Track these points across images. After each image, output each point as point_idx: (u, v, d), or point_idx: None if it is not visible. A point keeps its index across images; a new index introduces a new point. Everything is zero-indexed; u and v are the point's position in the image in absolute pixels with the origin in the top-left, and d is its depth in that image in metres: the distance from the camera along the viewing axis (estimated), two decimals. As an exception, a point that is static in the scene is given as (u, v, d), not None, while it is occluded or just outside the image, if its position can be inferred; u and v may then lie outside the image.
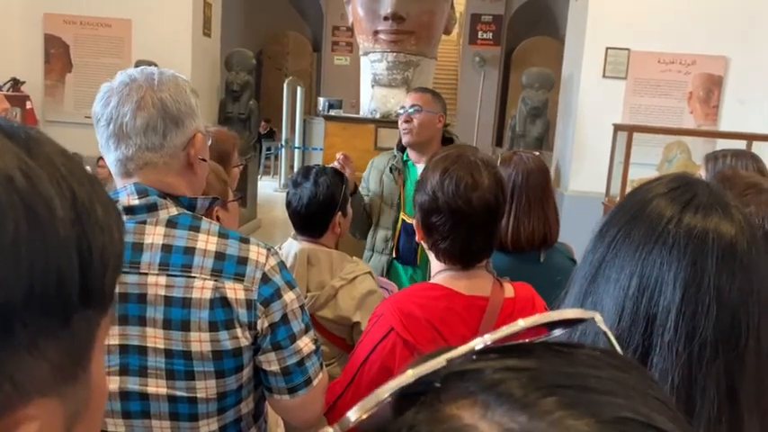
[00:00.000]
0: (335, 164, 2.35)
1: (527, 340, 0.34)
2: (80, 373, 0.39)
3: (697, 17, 6.11)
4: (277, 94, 11.24)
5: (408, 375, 0.29)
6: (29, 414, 0.34)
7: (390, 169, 2.60)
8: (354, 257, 2.11)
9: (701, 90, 6.31)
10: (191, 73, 6.71)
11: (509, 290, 1.42)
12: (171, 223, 1.22)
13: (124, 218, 1.20)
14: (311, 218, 2.02)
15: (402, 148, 2.63)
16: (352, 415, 0.28)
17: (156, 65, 6.37)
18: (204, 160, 1.35)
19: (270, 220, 8.28)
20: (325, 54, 13.42)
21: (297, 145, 11.10)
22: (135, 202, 1.21)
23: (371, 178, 2.66)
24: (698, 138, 5.84)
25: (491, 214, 1.37)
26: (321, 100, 11.67)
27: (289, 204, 2.04)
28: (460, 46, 12.74)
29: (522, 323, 0.33)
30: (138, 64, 6.47)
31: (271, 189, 10.44)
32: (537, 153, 1.98)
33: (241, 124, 7.06)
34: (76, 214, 0.36)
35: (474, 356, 0.31)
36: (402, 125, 2.51)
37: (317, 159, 11.02)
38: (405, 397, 0.29)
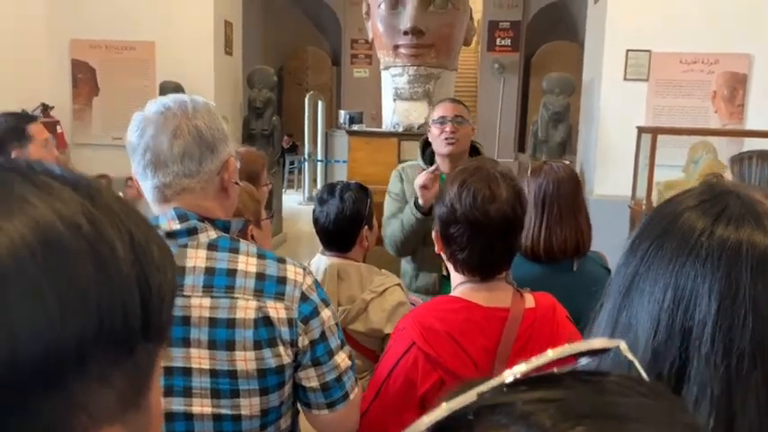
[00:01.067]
0: (424, 180, 2.29)
1: (555, 370, 0.35)
2: (141, 401, 0.41)
3: (718, 16, 6.06)
4: (298, 108, 11.35)
5: (443, 409, 0.31)
6: None
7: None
8: (383, 270, 2.13)
9: (725, 89, 6.24)
10: (214, 92, 6.83)
11: (529, 300, 1.42)
12: (212, 246, 1.26)
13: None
14: (339, 233, 2.05)
15: (430, 160, 2.57)
16: None
17: (180, 85, 6.48)
18: (237, 183, 1.38)
19: (295, 234, 8.34)
20: (345, 67, 13.52)
21: (319, 158, 11.18)
22: (176, 226, 1.25)
23: (407, 192, 2.57)
24: (724, 137, 5.77)
25: (509, 226, 1.38)
26: (342, 113, 11.76)
27: (316, 221, 2.08)
28: (479, 53, 12.75)
29: (550, 354, 0.35)
30: (162, 85, 6.61)
31: (295, 202, 10.51)
32: (567, 162, 1.98)
33: (265, 140, 7.14)
34: (135, 255, 0.39)
35: (504, 389, 0.32)
36: (445, 135, 2.44)
37: (339, 172, 11.07)
38: (439, 430, 0.31)
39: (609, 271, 1.97)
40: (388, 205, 2.60)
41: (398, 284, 2.05)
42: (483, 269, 1.40)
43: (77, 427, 0.36)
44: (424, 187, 2.30)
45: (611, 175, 6.21)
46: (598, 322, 0.86)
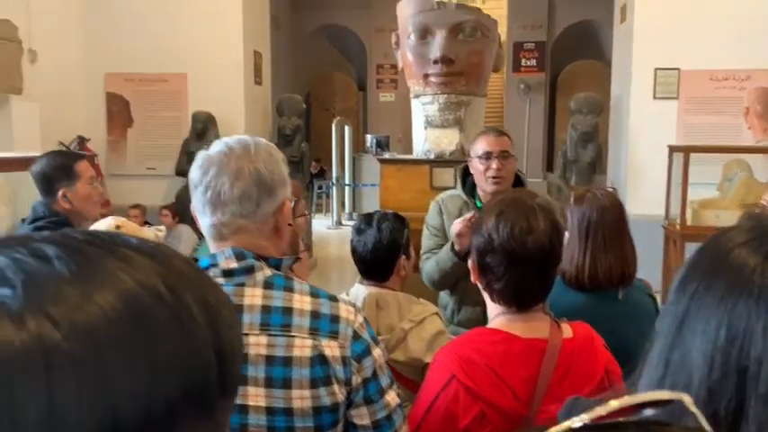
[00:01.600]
0: (460, 228, 2.22)
1: (621, 419, 0.36)
2: None
3: (747, 31, 6.00)
4: (326, 133, 11.47)
5: None
6: None
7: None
8: (421, 299, 2.14)
9: (757, 105, 6.16)
10: (244, 120, 6.95)
11: (567, 330, 1.42)
12: (267, 284, 1.28)
13: (222, 281, 1.26)
14: (376, 263, 2.07)
15: (471, 190, 2.50)
16: None
17: (212, 115, 6.60)
18: (290, 225, 1.41)
19: (324, 258, 8.38)
20: (371, 92, 13.66)
21: (347, 182, 11.26)
22: (233, 265, 1.27)
23: (447, 224, 2.48)
24: (758, 154, 5.69)
25: (546, 258, 1.38)
26: (368, 137, 11.89)
27: (354, 251, 2.10)
28: (504, 74, 12.77)
29: (614, 404, 0.36)
30: (194, 115, 6.76)
31: (324, 227, 10.58)
32: (611, 189, 1.97)
33: (294, 167, 7.23)
34: (210, 317, 0.41)
35: None
36: (491, 173, 2.34)
37: (367, 196, 11.13)
38: None
39: (654, 299, 1.94)
40: (426, 240, 2.55)
41: (436, 313, 2.05)
42: (519, 300, 1.40)
43: None
44: (459, 235, 2.24)
45: (643, 194, 6.15)
46: (649, 361, 0.86)
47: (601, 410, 0.35)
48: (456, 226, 2.26)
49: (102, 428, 0.34)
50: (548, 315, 1.45)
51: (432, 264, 2.44)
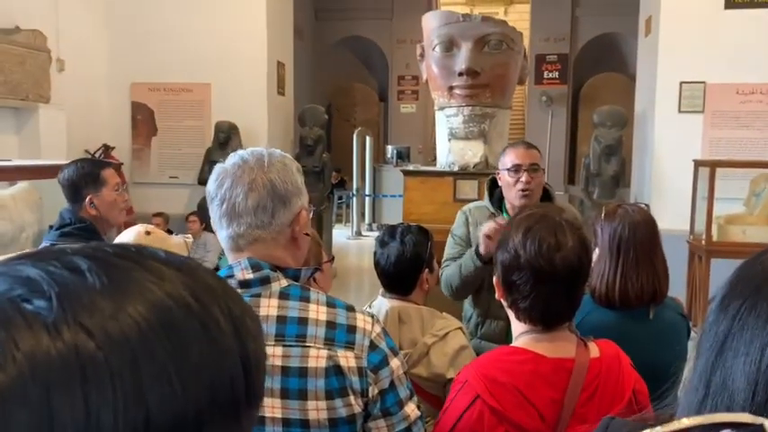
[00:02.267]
0: (488, 231, 2.22)
1: None
2: None
3: (775, 45, 5.93)
4: (346, 144, 11.51)
5: None
6: None
7: None
8: (444, 313, 2.12)
9: (785, 119, 6.07)
10: (267, 130, 7.00)
11: (594, 349, 1.39)
12: (283, 295, 1.28)
13: (238, 292, 1.27)
14: (399, 276, 2.05)
15: (498, 202, 2.49)
16: None
17: (235, 125, 6.67)
18: (307, 234, 1.40)
19: (344, 268, 8.38)
20: (392, 103, 13.68)
21: (367, 193, 11.27)
22: (249, 276, 1.27)
23: (473, 234, 2.48)
24: (786, 169, 5.59)
25: (574, 275, 1.35)
26: (389, 148, 11.90)
27: (377, 264, 2.08)
28: (526, 86, 12.74)
29: (686, 421, 0.37)
30: (217, 125, 6.81)
31: (344, 237, 10.59)
32: (643, 205, 1.93)
33: (315, 177, 7.25)
34: (235, 328, 0.42)
35: None
36: (520, 186, 2.33)
37: (388, 206, 11.13)
38: None
39: (686, 318, 1.90)
40: (450, 248, 2.54)
41: (460, 328, 2.03)
42: (546, 319, 1.37)
43: None
44: (488, 237, 2.22)
45: (667, 209, 6.07)
46: (688, 382, 0.84)
47: (676, 425, 0.36)
48: (487, 227, 2.24)
49: None
50: (574, 333, 1.42)
51: (453, 269, 2.43)
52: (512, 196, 2.38)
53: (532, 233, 1.35)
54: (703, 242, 5.22)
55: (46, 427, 0.33)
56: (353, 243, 10.40)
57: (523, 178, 2.33)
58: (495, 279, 1.45)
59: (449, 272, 2.45)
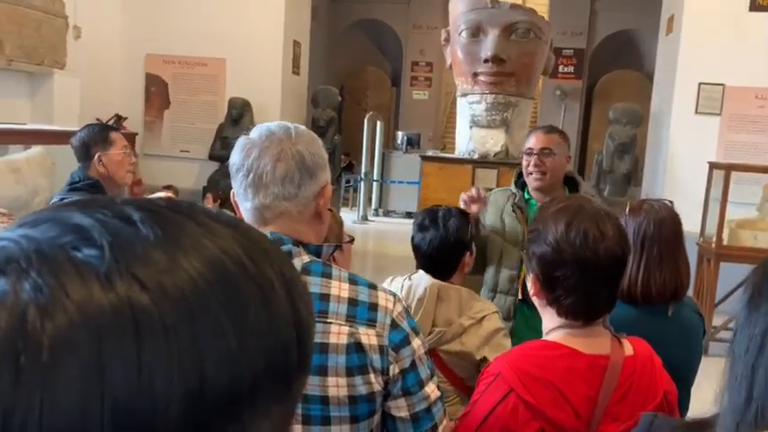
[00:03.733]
0: (465, 197, 2.39)
1: None
2: (287, 430, 0.43)
3: (797, 51, 5.87)
4: (356, 127, 11.46)
5: None
6: None
7: (513, 208, 2.52)
8: (480, 296, 2.13)
9: (802, 126, 6.03)
10: (279, 109, 6.97)
11: (628, 347, 1.36)
12: (305, 271, 1.27)
13: None
14: (442, 260, 2.04)
15: (522, 186, 2.56)
16: None
17: (248, 102, 6.67)
18: (330, 210, 1.39)
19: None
20: (404, 89, 13.62)
21: (375, 178, 11.24)
22: None
23: (489, 214, 2.59)
24: (801, 176, 5.56)
25: (617, 266, 1.33)
26: (399, 134, 11.85)
27: (418, 248, 2.06)
28: (541, 79, 12.67)
29: None
30: (231, 101, 6.78)
31: (350, 221, 10.58)
32: (668, 201, 1.91)
33: (326, 158, 7.24)
34: (288, 291, 0.40)
35: None
36: (531, 168, 2.42)
37: (395, 192, 11.10)
38: None
39: (702, 318, 1.89)
40: None
41: (496, 312, 2.03)
42: (589, 313, 1.34)
43: None
44: (464, 202, 2.37)
45: (678, 209, 5.98)
46: (729, 383, 0.83)
47: None
48: (464, 195, 2.40)
49: (190, 395, 0.34)
50: (608, 329, 1.40)
51: None
52: (527, 179, 2.47)
53: (575, 225, 1.31)
54: (713, 245, 5.19)
55: (96, 381, 0.32)
56: (359, 227, 10.38)
57: (532, 161, 2.40)
58: (531, 277, 1.40)
59: None
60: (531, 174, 2.42)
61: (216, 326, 0.35)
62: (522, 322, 2.41)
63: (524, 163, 2.45)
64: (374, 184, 11.28)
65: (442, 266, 2.05)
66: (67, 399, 0.31)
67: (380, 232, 10.09)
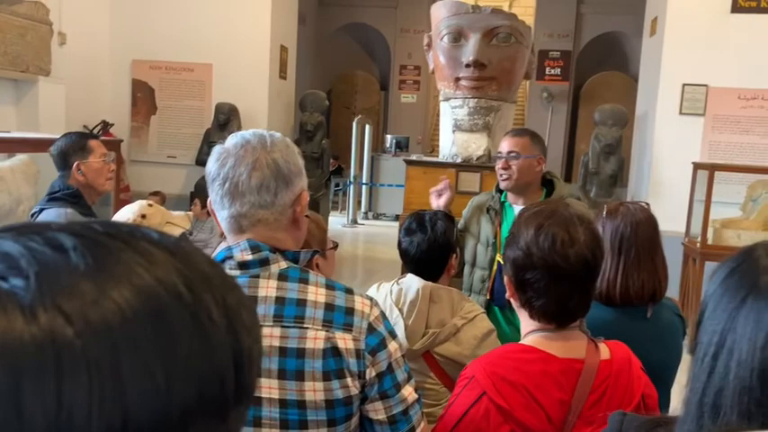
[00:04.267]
0: (439, 187, 2.55)
1: None
2: None
3: (779, 51, 5.93)
4: (345, 131, 11.47)
5: None
6: None
7: (487, 209, 2.60)
8: (469, 297, 2.17)
9: (785, 126, 6.09)
10: (267, 114, 6.97)
11: (605, 351, 1.37)
12: (282, 276, 1.28)
13: (237, 273, 1.27)
14: (431, 263, 2.08)
15: (500, 189, 2.65)
16: None
17: (235, 107, 6.64)
18: (307, 216, 1.40)
19: (339, 256, 8.36)
20: (393, 92, 13.64)
21: (364, 181, 11.25)
22: (248, 257, 1.27)
23: (471, 216, 2.69)
24: (784, 176, 5.62)
25: (588, 271, 1.33)
26: (388, 137, 11.87)
27: (406, 252, 2.10)
28: (527, 82, 12.74)
29: None
30: (218, 106, 6.77)
31: (339, 225, 10.58)
32: (645, 203, 1.93)
33: (314, 163, 7.24)
34: (229, 320, 0.39)
35: None
36: (499, 171, 2.52)
37: (384, 196, 11.12)
38: None
39: (683, 319, 1.91)
40: None
41: (483, 313, 2.08)
42: (561, 317, 1.35)
43: None
44: (435, 193, 2.51)
45: (664, 210, 6.05)
46: (690, 377, 0.86)
47: None
48: (433, 189, 2.56)
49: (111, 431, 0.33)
50: (584, 333, 1.40)
51: None
52: (499, 181, 2.57)
53: (545, 229, 1.32)
54: (698, 245, 5.24)
55: (14, 420, 0.31)
56: (349, 231, 10.40)
57: (500, 164, 2.51)
58: (505, 278, 1.42)
59: None
60: (501, 176, 2.52)
61: (143, 362, 0.34)
62: (493, 320, 2.46)
63: (496, 167, 2.56)
64: (363, 187, 11.29)
65: (431, 269, 2.08)
66: None
67: (370, 236, 10.11)
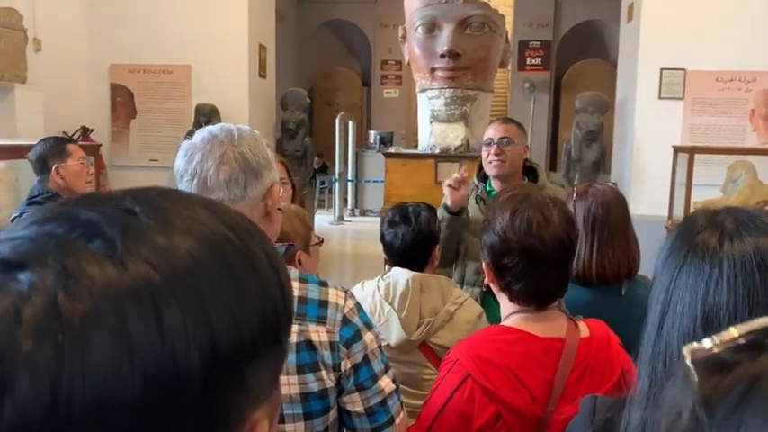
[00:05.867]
0: (451, 182, 2.42)
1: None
2: (277, 383, 0.50)
3: (754, 33, 5.99)
4: (328, 128, 11.45)
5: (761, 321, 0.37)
6: (257, 418, 0.45)
7: (476, 200, 2.58)
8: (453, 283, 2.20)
9: (763, 107, 6.15)
10: (248, 113, 6.94)
11: (584, 329, 1.39)
12: None
13: None
14: (416, 254, 2.09)
15: (483, 178, 2.62)
16: (707, 342, 0.38)
17: (215, 108, 6.60)
18: (280, 209, 1.40)
19: (325, 254, 8.37)
20: (375, 88, 13.63)
21: (350, 178, 11.24)
22: None
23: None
24: (763, 156, 5.67)
25: (564, 252, 1.35)
26: (372, 133, 11.87)
27: (390, 244, 2.10)
28: (509, 72, 12.76)
29: (734, 331, 0.40)
30: (198, 108, 6.73)
31: (326, 222, 10.57)
32: (612, 184, 1.96)
33: (297, 161, 7.22)
34: (270, 260, 0.47)
35: None
36: (491, 157, 2.47)
37: (370, 192, 11.11)
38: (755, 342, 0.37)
39: None
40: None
41: (470, 297, 2.12)
42: (540, 299, 1.37)
43: (247, 406, 0.44)
44: (451, 187, 2.39)
45: (646, 194, 6.13)
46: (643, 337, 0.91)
47: (727, 335, 0.39)
48: (451, 178, 2.42)
49: (205, 357, 0.39)
50: (563, 313, 1.42)
51: None
52: (486, 167, 2.52)
53: (519, 213, 1.34)
54: (681, 227, 5.28)
55: (125, 350, 0.37)
56: (336, 228, 10.38)
57: (493, 150, 2.46)
58: (484, 264, 1.43)
59: None
60: (491, 162, 2.48)
61: (219, 296, 0.41)
62: (489, 312, 2.45)
63: (484, 153, 2.51)
64: (348, 184, 11.28)
65: (416, 261, 2.09)
66: (103, 367, 0.36)
67: (357, 232, 10.10)
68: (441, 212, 2.42)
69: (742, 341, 0.37)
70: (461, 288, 2.53)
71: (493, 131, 2.52)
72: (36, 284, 0.37)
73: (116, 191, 0.46)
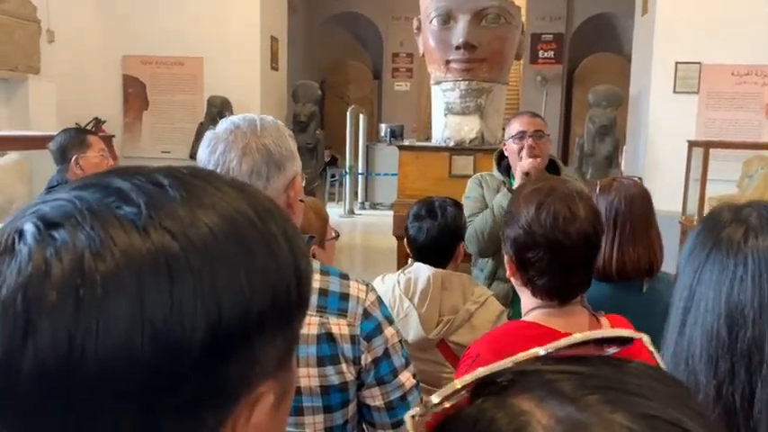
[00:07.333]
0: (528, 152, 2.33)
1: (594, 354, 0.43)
2: (289, 363, 0.52)
3: (771, 27, 5.91)
4: (339, 121, 11.43)
5: (480, 372, 0.39)
6: (263, 390, 0.48)
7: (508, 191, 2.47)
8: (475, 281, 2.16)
9: (779, 101, 6.08)
10: (259, 106, 6.94)
11: (606, 325, 1.36)
12: None
13: None
14: (441, 249, 2.06)
15: (506, 171, 2.53)
16: (435, 398, 0.38)
17: (227, 100, 6.61)
18: (302, 201, 1.39)
19: (336, 247, 8.37)
20: (386, 81, 13.59)
21: (360, 171, 11.22)
22: None
23: (487, 198, 2.53)
24: (779, 151, 5.61)
25: (590, 246, 1.32)
26: (383, 126, 11.83)
27: (414, 239, 2.07)
28: (521, 65, 12.69)
29: (578, 336, 0.43)
30: (210, 100, 6.74)
31: (336, 215, 10.56)
32: (637, 178, 1.92)
33: (308, 154, 7.21)
34: (289, 244, 0.49)
35: (538, 362, 0.40)
36: (527, 151, 2.36)
37: (380, 185, 11.09)
38: (477, 389, 0.39)
39: None
40: (469, 208, 2.51)
41: (492, 295, 2.07)
42: (564, 293, 1.34)
43: (253, 377, 0.47)
44: (527, 174, 2.29)
45: (660, 189, 6.05)
46: (667, 330, 0.90)
47: (564, 342, 0.42)
48: (526, 163, 2.32)
49: (211, 322, 0.42)
50: (586, 308, 1.40)
51: (483, 218, 2.42)
52: (519, 162, 2.40)
53: (545, 207, 1.30)
54: (695, 222, 5.23)
55: (138, 310, 0.40)
56: (346, 221, 10.37)
57: (529, 142, 2.37)
58: (506, 258, 1.40)
59: (478, 223, 2.43)
60: (526, 156, 2.36)
61: (230, 270, 0.44)
62: (518, 307, 2.41)
63: (514, 147, 2.41)
64: (359, 177, 11.26)
65: (439, 256, 2.06)
66: (116, 324, 0.39)
67: (368, 225, 10.09)
68: (505, 194, 2.33)
69: (464, 393, 0.39)
70: (492, 283, 2.48)
71: (524, 124, 2.42)
72: (67, 243, 0.41)
73: (151, 166, 0.48)
